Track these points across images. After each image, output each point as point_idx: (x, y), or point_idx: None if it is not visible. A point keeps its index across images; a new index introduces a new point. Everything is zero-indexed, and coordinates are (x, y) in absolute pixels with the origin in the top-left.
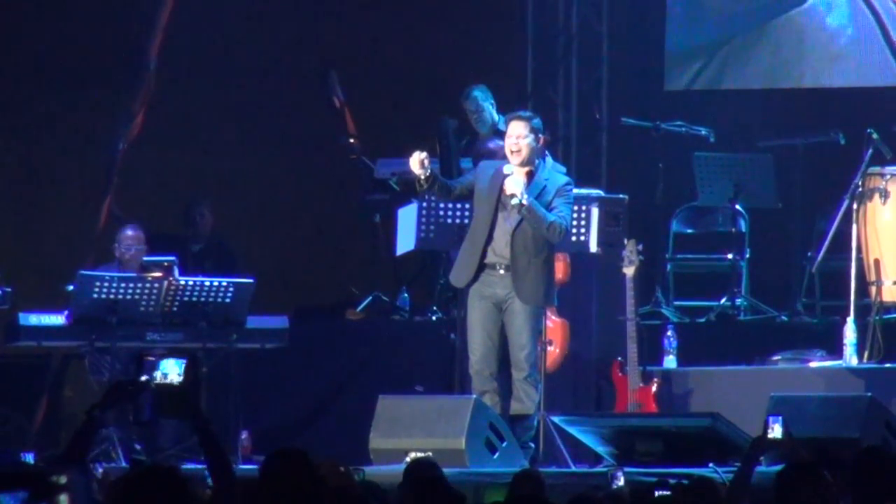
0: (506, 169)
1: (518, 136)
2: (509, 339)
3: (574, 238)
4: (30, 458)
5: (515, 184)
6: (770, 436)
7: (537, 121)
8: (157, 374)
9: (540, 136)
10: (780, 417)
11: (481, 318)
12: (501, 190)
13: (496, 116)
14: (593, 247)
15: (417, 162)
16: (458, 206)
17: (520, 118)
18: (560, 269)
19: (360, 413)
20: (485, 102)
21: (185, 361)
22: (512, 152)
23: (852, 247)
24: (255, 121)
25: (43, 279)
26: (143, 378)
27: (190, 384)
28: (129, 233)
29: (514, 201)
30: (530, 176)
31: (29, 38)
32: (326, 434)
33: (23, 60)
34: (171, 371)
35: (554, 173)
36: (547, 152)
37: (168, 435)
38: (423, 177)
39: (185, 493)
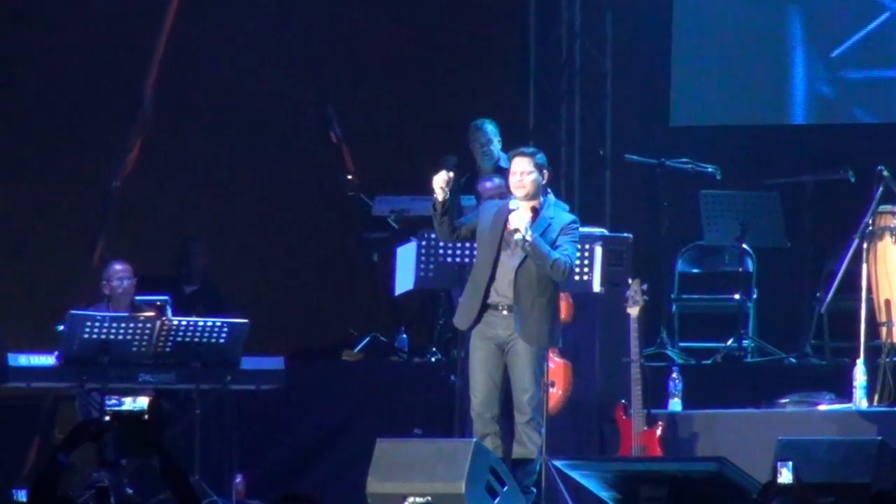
0: (512, 204)
1: (522, 172)
2: (512, 381)
3: (577, 277)
4: (22, 495)
5: (520, 219)
6: (780, 481)
7: (541, 156)
8: (121, 413)
9: (545, 171)
10: (790, 462)
11: (483, 360)
12: (505, 227)
13: (500, 153)
14: (596, 286)
15: (442, 181)
16: (459, 245)
17: (523, 154)
18: (562, 308)
19: (358, 456)
20: (494, 137)
21: (148, 399)
22: (516, 189)
23: (862, 287)
24: (251, 157)
25: (33, 319)
26: (107, 418)
27: (154, 422)
28: (118, 266)
29: (518, 237)
30: (535, 212)
31: (21, 73)
32: (323, 478)
33: (14, 96)
34: (135, 410)
35: (559, 211)
36: (549, 190)
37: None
38: (440, 198)
39: None
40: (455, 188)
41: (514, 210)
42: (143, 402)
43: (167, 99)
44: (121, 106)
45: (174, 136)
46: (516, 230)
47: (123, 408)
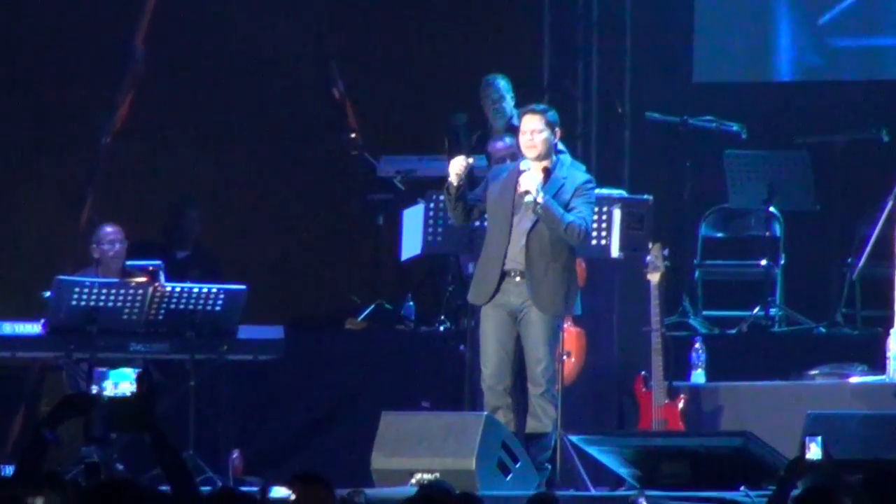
0: (522, 165)
1: (533, 130)
2: (525, 351)
3: (594, 242)
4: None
5: (531, 180)
6: (808, 457)
7: (553, 114)
8: (108, 386)
9: (556, 129)
10: (819, 437)
11: (495, 329)
12: (516, 189)
13: (514, 110)
14: (615, 252)
15: (459, 167)
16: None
17: (534, 112)
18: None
19: (362, 431)
20: (507, 93)
21: (137, 371)
22: (527, 148)
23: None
24: (249, 114)
25: (17, 285)
26: (94, 391)
27: (144, 396)
28: (109, 229)
29: (528, 199)
30: (547, 173)
31: (6, 23)
32: (325, 453)
33: None
34: (121, 383)
35: (573, 171)
36: (565, 149)
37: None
38: (455, 183)
39: None
40: (466, 146)
41: (524, 171)
42: (126, 387)
43: (160, 52)
44: (111, 58)
45: (167, 92)
46: (527, 192)
47: (106, 393)
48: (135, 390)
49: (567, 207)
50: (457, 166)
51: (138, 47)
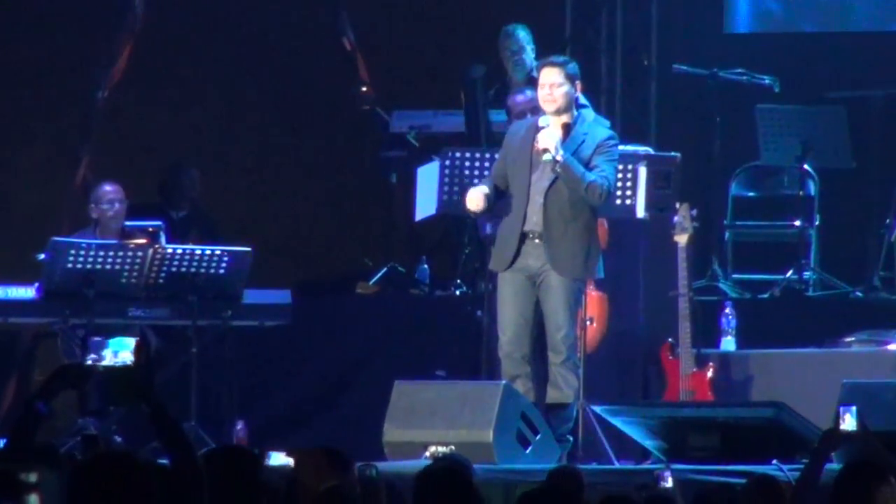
0: (541, 121)
1: (552, 84)
2: (545, 317)
3: (619, 201)
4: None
5: (550, 137)
6: (843, 428)
7: (573, 66)
8: (107, 355)
9: (577, 82)
10: (854, 407)
11: (513, 293)
12: (534, 147)
13: (534, 62)
14: (640, 212)
15: (476, 204)
16: (487, 164)
17: (552, 64)
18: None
19: (373, 401)
20: (528, 45)
21: (134, 341)
22: (545, 103)
23: None
24: (254, 67)
25: (11, 247)
26: (89, 362)
27: (141, 367)
28: (108, 188)
29: (547, 157)
30: (567, 129)
31: None
32: (334, 425)
33: None
34: (120, 353)
35: (595, 126)
36: (588, 103)
37: None
38: (475, 210)
39: (141, 479)
40: (483, 101)
41: (543, 128)
42: (126, 356)
43: (160, 1)
44: (107, 6)
45: (167, 43)
46: (545, 150)
47: (105, 362)
48: (132, 360)
49: (588, 165)
50: (473, 202)
51: None
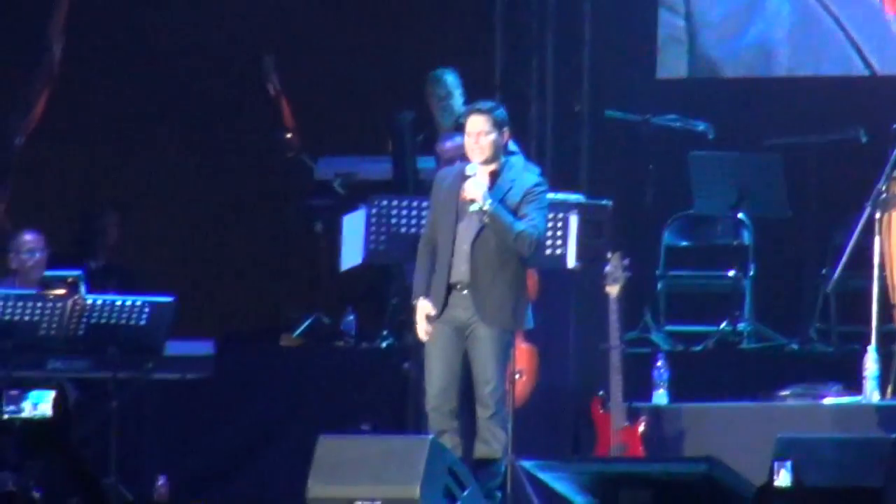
0: (468, 169)
1: (479, 133)
2: (473, 370)
3: (548, 251)
4: None
5: (476, 186)
6: (777, 484)
7: (500, 111)
8: (26, 407)
9: (505, 129)
10: (789, 462)
11: (441, 346)
12: (460, 195)
13: (461, 108)
14: (571, 261)
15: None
16: (414, 212)
17: (480, 111)
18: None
19: (298, 456)
20: (455, 90)
21: (53, 394)
22: (473, 152)
23: (874, 263)
24: (176, 112)
25: None
26: (6, 416)
27: (60, 420)
28: (28, 237)
29: (474, 207)
30: (494, 176)
31: None
32: (258, 480)
33: None
34: (39, 405)
35: (523, 172)
36: (518, 150)
37: None
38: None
39: None
40: (411, 146)
41: (470, 176)
42: (44, 409)
43: (77, 47)
44: (22, 50)
45: (85, 88)
46: (472, 200)
47: (23, 415)
48: (51, 413)
49: (516, 213)
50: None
51: (53, 41)
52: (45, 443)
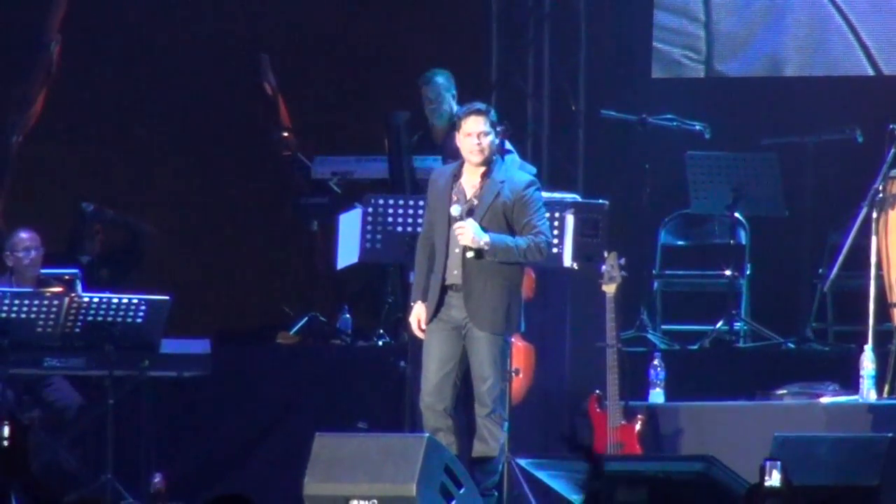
0: (453, 210)
1: (479, 133)
2: (471, 369)
3: None
4: None
5: (467, 231)
6: (767, 484)
7: (493, 112)
8: None
9: (499, 129)
10: (779, 462)
11: (437, 344)
12: (450, 200)
13: (455, 108)
14: (567, 261)
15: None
16: (410, 211)
17: (479, 112)
18: (524, 284)
19: (294, 454)
20: (447, 92)
21: (6, 425)
22: (473, 153)
23: (871, 263)
24: (173, 111)
25: None
26: None
27: (16, 449)
28: (24, 235)
29: (471, 255)
30: (485, 177)
31: None
32: (254, 477)
33: None
34: None
35: (515, 171)
36: (514, 149)
37: None
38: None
39: None
40: (407, 146)
41: (456, 221)
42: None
43: (76, 44)
44: (20, 49)
45: (83, 87)
46: (468, 249)
47: None
48: (7, 442)
49: (508, 214)
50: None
51: (52, 39)
52: (3, 471)
